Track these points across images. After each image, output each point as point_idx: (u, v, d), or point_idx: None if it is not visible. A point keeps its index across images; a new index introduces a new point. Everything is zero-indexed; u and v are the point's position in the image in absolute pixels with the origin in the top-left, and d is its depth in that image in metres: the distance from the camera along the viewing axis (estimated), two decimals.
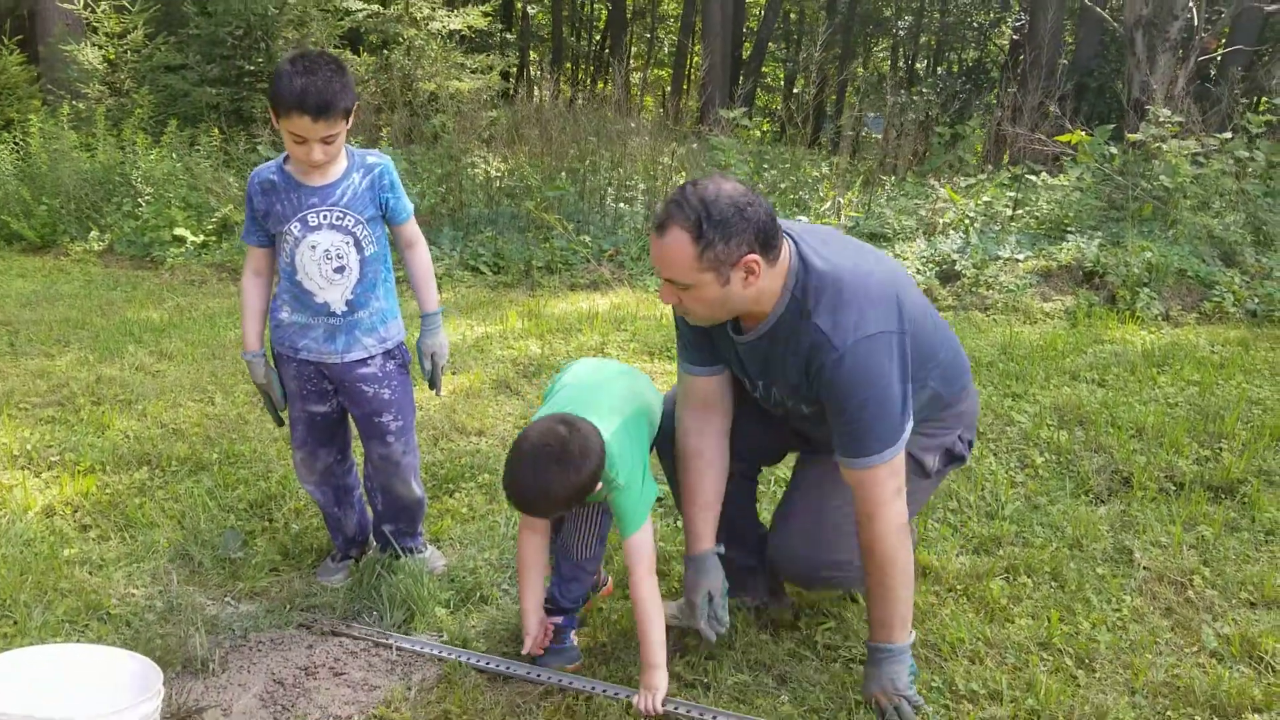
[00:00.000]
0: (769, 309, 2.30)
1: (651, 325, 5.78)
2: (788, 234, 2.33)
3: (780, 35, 30.08)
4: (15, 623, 2.75)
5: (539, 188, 8.35)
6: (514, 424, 4.27)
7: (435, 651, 2.68)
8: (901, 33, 27.08)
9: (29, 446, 3.93)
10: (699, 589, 2.50)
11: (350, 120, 2.65)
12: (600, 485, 2.38)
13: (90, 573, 3.04)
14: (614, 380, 2.69)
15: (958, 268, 6.55)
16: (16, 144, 9.88)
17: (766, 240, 2.19)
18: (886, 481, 2.26)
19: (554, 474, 2.28)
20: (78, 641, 2.67)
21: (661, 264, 2.22)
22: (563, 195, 8.46)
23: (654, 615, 2.41)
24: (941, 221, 7.41)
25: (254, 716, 2.47)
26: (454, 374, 4.92)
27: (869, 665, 2.38)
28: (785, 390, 2.42)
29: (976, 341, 5.34)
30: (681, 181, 9.03)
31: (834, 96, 25.76)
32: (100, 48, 11.63)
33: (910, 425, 2.30)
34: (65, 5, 12.15)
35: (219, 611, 2.88)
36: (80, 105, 11.01)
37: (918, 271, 6.60)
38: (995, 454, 3.93)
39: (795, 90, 25.39)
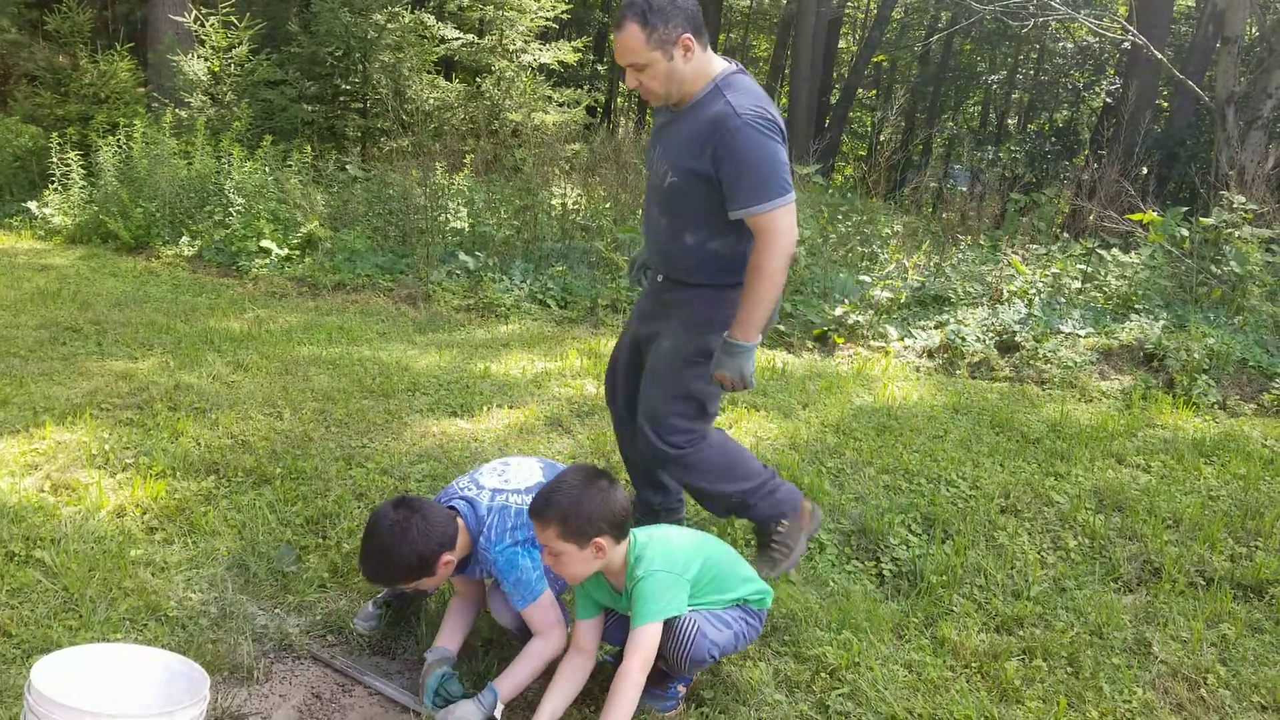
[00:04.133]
0: (698, 90, 2.97)
1: None
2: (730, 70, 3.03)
3: (870, 82, 30.14)
4: (80, 617, 2.97)
5: (610, 228, 8.54)
6: (563, 461, 4.41)
7: (400, 698, 2.75)
8: (994, 87, 26.94)
9: (106, 447, 4.19)
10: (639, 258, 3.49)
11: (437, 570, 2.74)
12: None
13: (153, 574, 3.25)
14: (721, 544, 2.94)
15: (1018, 339, 6.59)
16: (120, 147, 10.36)
17: (697, 26, 2.89)
18: (781, 219, 2.89)
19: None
20: (135, 640, 2.87)
21: (622, 53, 2.87)
22: (633, 238, 8.65)
23: (624, 699, 2.52)
24: (1006, 290, 7.44)
25: None
26: (510, 408, 5.11)
27: (724, 355, 3.01)
28: (670, 157, 3.03)
29: (1028, 417, 5.38)
30: None
31: (920, 148, 25.74)
32: (206, 60, 12.15)
33: (793, 195, 2.94)
34: (176, 17, 12.72)
35: (268, 622, 3.06)
36: (182, 114, 11.50)
37: (977, 339, 6.65)
38: (1029, 533, 3.99)
39: (881, 138, 25.46)
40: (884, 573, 3.65)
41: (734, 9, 30.51)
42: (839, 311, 7.03)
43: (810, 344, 6.95)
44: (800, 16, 19.74)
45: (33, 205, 10.17)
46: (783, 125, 2.97)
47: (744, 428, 4.96)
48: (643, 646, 2.53)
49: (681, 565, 2.65)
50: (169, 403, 4.83)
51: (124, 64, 12.49)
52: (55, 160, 10.20)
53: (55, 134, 10.70)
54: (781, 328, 7.08)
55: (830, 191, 10.39)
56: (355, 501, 3.88)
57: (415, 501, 2.75)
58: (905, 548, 3.77)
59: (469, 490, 2.89)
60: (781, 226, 2.89)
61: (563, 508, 2.52)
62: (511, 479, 2.94)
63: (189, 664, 2.46)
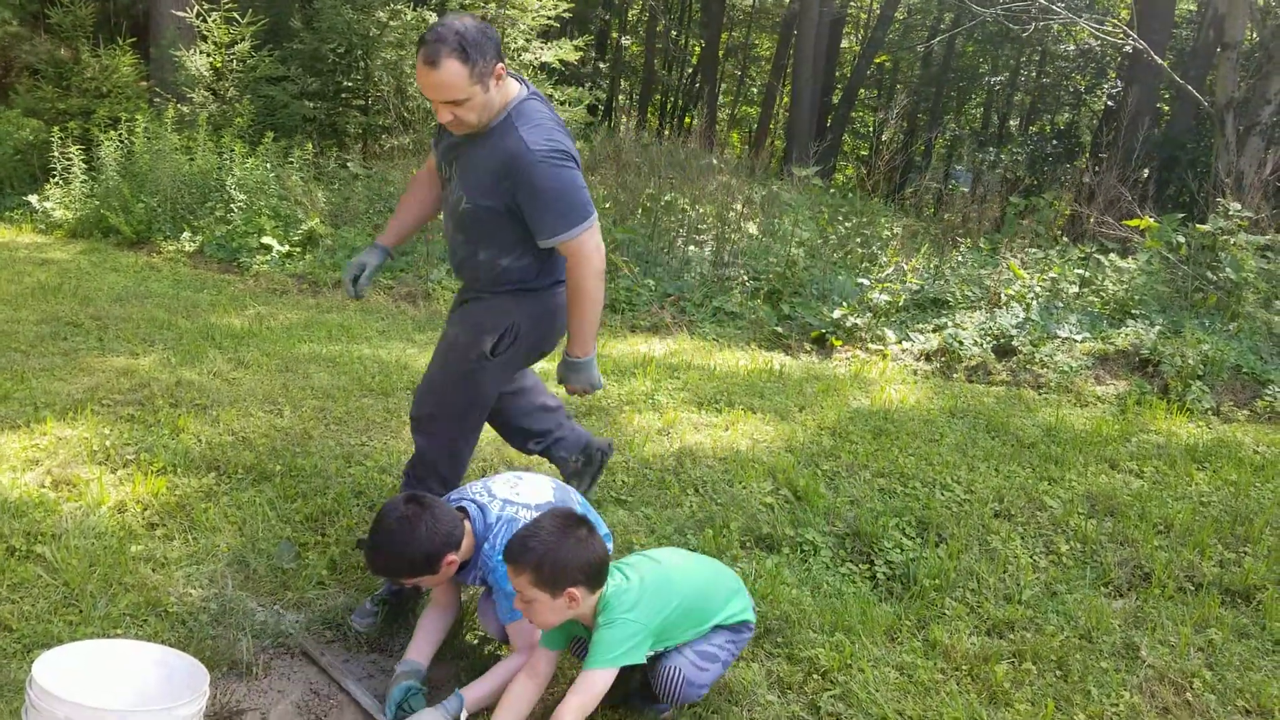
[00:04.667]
0: (496, 117, 2.98)
1: (704, 375, 5.95)
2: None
3: (873, 82, 30.17)
4: (80, 612, 3.00)
5: (609, 229, 8.58)
6: None
7: (368, 705, 2.74)
8: (996, 89, 26.97)
9: (108, 443, 4.22)
10: (355, 263, 3.42)
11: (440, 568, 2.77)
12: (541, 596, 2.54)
13: (153, 570, 3.29)
14: (699, 569, 2.91)
15: (1014, 343, 6.62)
16: (122, 142, 10.38)
17: (500, 54, 2.88)
18: (588, 241, 3.02)
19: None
20: (136, 635, 2.90)
21: (439, 89, 2.82)
22: (633, 238, 8.69)
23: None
24: (1004, 294, 7.47)
25: None
26: None
27: (570, 371, 3.24)
28: (468, 185, 3.06)
29: (1023, 421, 5.41)
30: (749, 230, 9.23)
31: (922, 148, 25.77)
32: (208, 55, 12.16)
33: (594, 214, 3.06)
34: (178, 13, 12.72)
35: (267, 618, 3.10)
36: (184, 109, 11.52)
37: (975, 343, 6.68)
38: (1022, 537, 4.02)
39: (883, 138, 25.49)
40: (877, 575, 3.69)
41: (736, 8, 30.52)
42: (837, 314, 7.07)
43: (808, 346, 6.98)
44: (803, 16, 19.76)
45: (33, 199, 10.19)
46: (574, 150, 3.08)
47: (740, 430, 5.00)
48: (588, 691, 2.50)
49: (652, 612, 2.60)
50: (170, 399, 4.86)
51: (126, 58, 12.48)
52: (56, 154, 10.21)
53: (56, 128, 10.71)
54: (779, 329, 7.11)
55: (830, 192, 10.43)
56: (354, 499, 3.92)
57: (425, 499, 2.78)
58: (899, 551, 3.81)
59: (480, 496, 2.93)
60: (590, 247, 3.03)
61: (538, 554, 2.49)
62: (523, 493, 2.97)
63: (189, 659, 2.49)
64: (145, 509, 3.70)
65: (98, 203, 9.73)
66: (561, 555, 2.49)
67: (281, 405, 4.93)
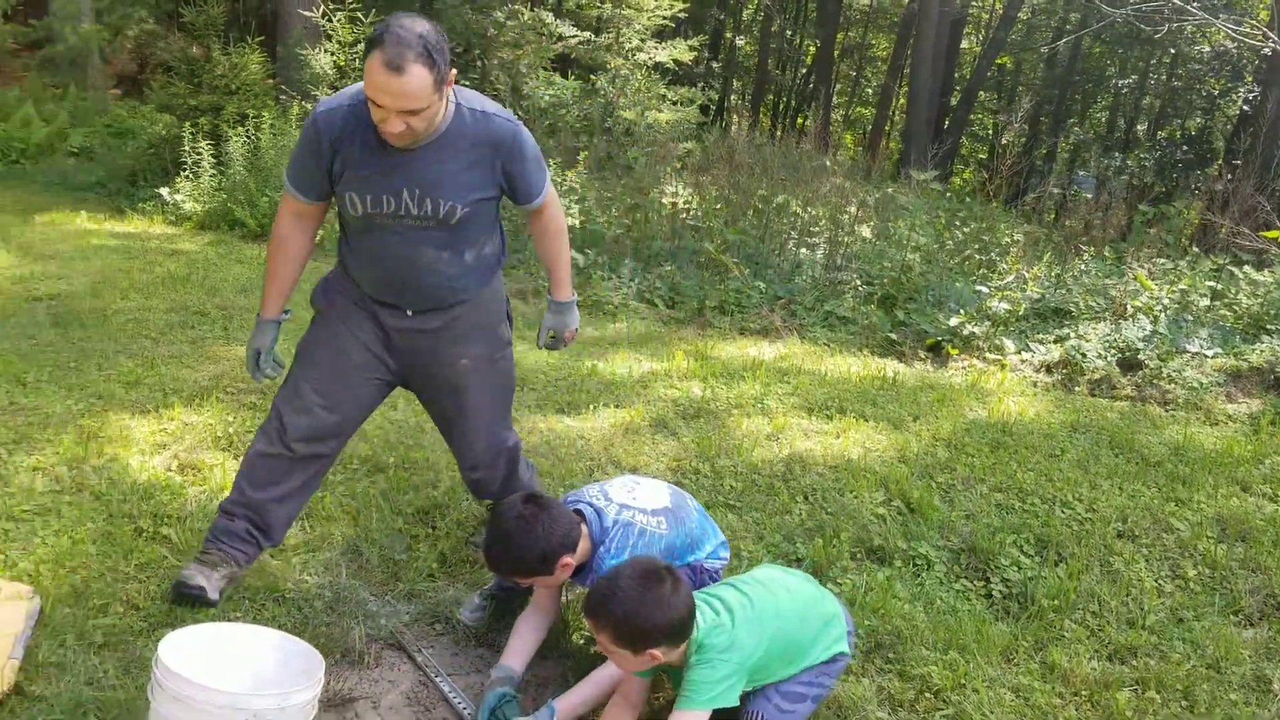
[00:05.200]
0: (444, 118, 2.78)
1: (815, 380, 5.86)
2: None
3: (993, 84, 29.46)
4: None
5: (720, 229, 8.53)
6: (667, 464, 4.44)
7: (461, 708, 2.74)
8: (1124, 92, 26.04)
9: (231, 429, 4.35)
10: (250, 350, 3.16)
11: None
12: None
13: (271, 556, 3.36)
14: (793, 604, 2.72)
15: (1141, 357, 6.36)
16: (248, 137, 10.72)
17: (451, 59, 2.66)
18: (554, 196, 3.06)
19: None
20: (254, 619, 2.98)
21: (403, 99, 2.55)
22: (743, 240, 8.62)
23: None
24: (1130, 305, 7.19)
25: (399, 713, 2.72)
26: (616, 407, 5.14)
27: (554, 314, 3.24)
28: (447, 191, 2.81)
29: (1149, 438, 5.20)
30: (863, 233, 9.07)
31: (1044, 153, 25.06)
32: (332, 54, 12.48)
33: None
34: (305, 12, 13.09)
35: (379, 608, 3.15)
36: (308, 106, 11.84)
37: (1098, 356, 6.44)
38: (1147, 560, 3.86)
39: (1004, 142, 24.84)
40: (993, 593, 3.58)
41: (853, 7, 30.15)
42: (954, 321, 6.90)
43: (923, 354, 6.82)
44: (922, 15, 19.41)
45: (165, 191, 10.58)
46: None
47: (851, 438, 4.90)
48: None
49: (746, 652, 2.51)
50: None
51: (254, 57, 12.88)
52: (187, 149, 10.59)
53: (188, 123, 11.10)
54: (893, 336, 6.97)
55: (948, 196, 10.19)
56: (464, 494, 3.95)
57: (544, 499, 2.78)
58: (1016, 569, 3.69)
59: (597, 499, 2.92)
60: (552, 189, 3.07)
61: (616, 617, 2.40)
62: (640, 498, 2.95)
63: (305, 646, 2.54)
64: None
65: (225, 196, 10.06)
66: (641, 618, 2.39)
67: (396, 398, 5.00)
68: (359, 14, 12.57)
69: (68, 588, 3.04)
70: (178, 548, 3.33)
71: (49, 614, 2.87)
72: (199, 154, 10.51)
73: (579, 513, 2.87)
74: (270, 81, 13.59)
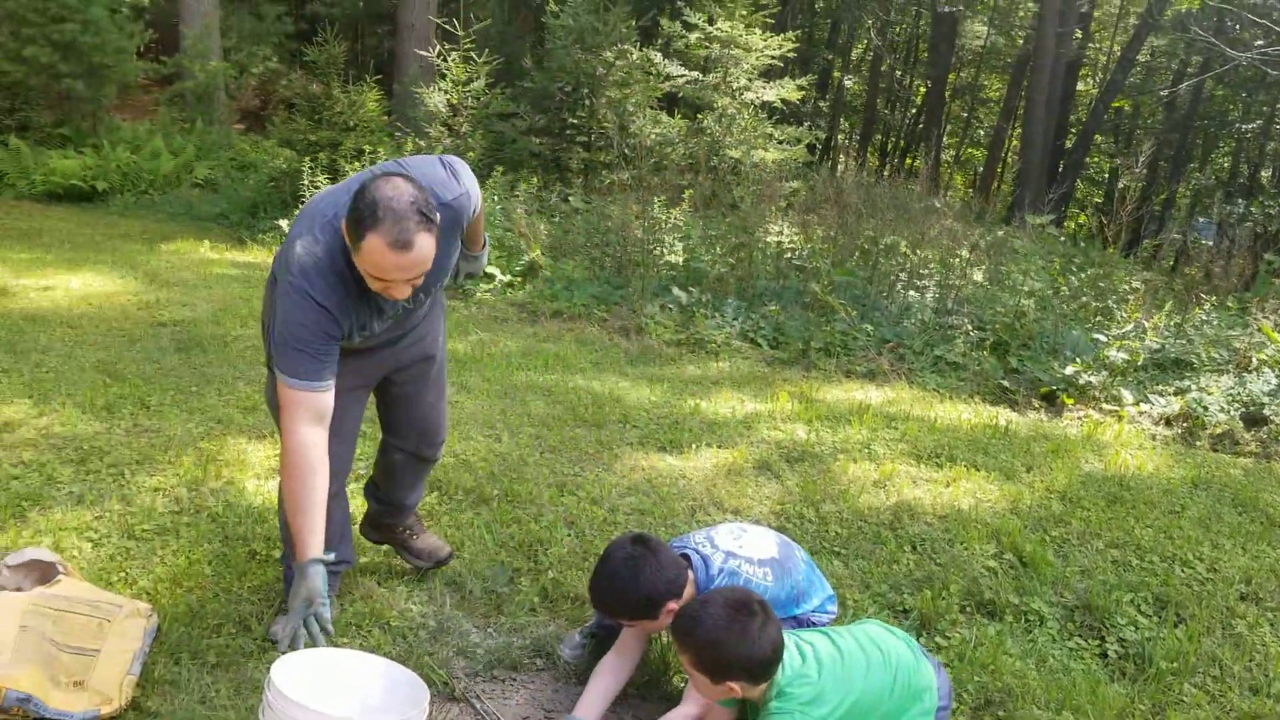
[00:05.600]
0: None
1: (923, 427, 5.74)
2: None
3: (1109, 128, 28.77)
4: None
5: (827, 270, 8.45)
6: (770, 507, 4.38)
7: None
8: (1248, 136, 25.16)
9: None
10: (300, 595, 2.52)
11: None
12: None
13: (378, 583, 3.41)
14: (883, 668, 2.61)
15: (1266, 412, 6.08)
16: None
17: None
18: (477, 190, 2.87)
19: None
20: (360, 645, 3.01)
21: (414, 269, 2.45)
22: (850, 280, 8.53)
23: None
24: (1256, 358, 6.89)
25: None
26: (719, 447, 5.10)
27: (469, 262, 3.15)
28: (429, 278, 2.67)
29: (1275, 497, 4.95)
30: (974, 277, 8.88)
31: (1163, 198, 24.35)
32: (445, 93, 12.80)
33: None
34: (421, 52, 13.48)
35: (481, 641, 3.15)
36: (422, 143, 12.14)
37: (1221, 409, 6.18)
38: (1271, 624, 3.66)
39: (1120, 186, 24.21)
40: (1109, 653, 3.43)
41: (966, 48, 29.81)
42: (1070, 370, 6.69)
43: (1036, 403, 6.63)
44: (1037, 57, 19.07)
45: (284, 223, 10.94)
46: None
47: (962, 487, 4.77)
48: None
49: (826, 711, 2.43)
50: None
51: (372, 95, 13.30)
52: (306, 182, 10.95)
53: (307, 158, 11.50)
54: (1006, 383, 6.79)
55: (1063, 240, 9.94)
56: (566, 529, 3.96)
57: (653, 542, 2.76)
58: (1134, 629, 3.53)
59: (704, 546, 2.88)
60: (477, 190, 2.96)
61: (700, 642, 2.40)
62: (746, 546, 2.90)
63: (410, 674, 2.55)
64: None
65: None
66: (725, 648, 2.37)
67: (500, 431, 5.06)
68: (472, 54, 12.89)
69: (184, 607, 3.12)
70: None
71: (165, 632, 2.95)
72: (317, 188, 10.85)
73: (685, 558, 2.84)
74: (386, 118, 14.00)
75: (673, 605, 2.69)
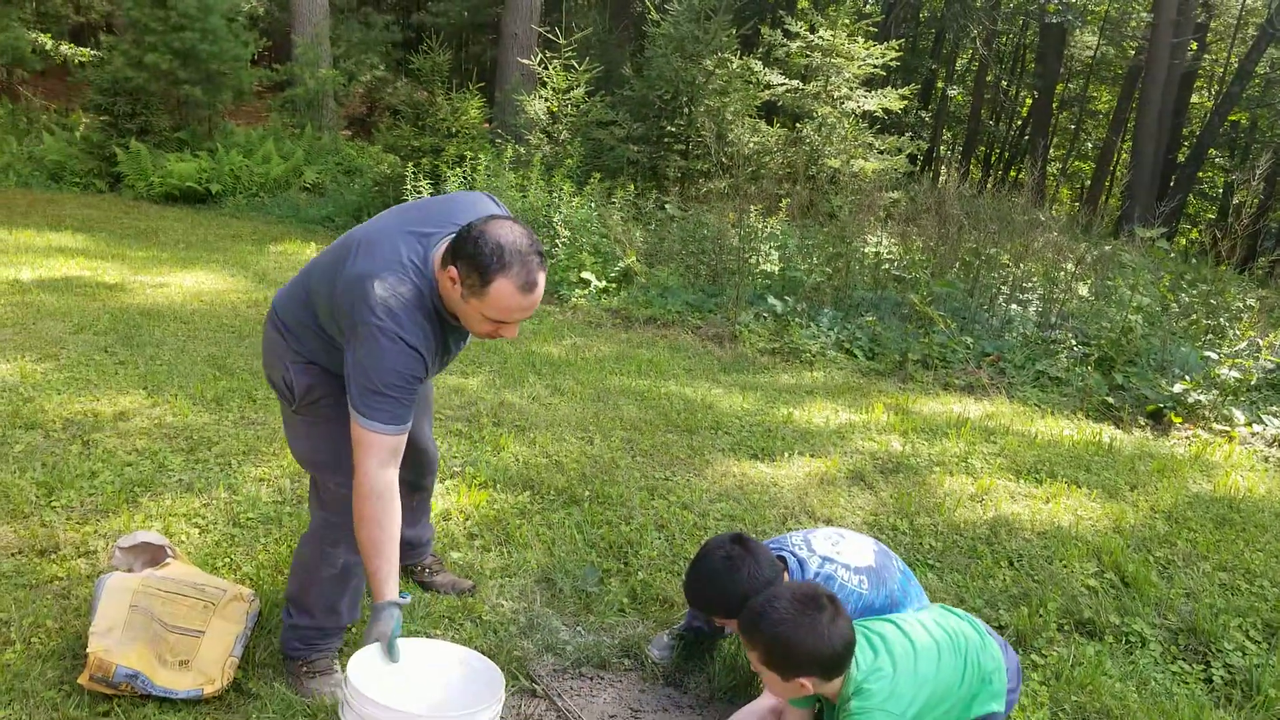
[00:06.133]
0: None
1: (1023, 442, 5.61)
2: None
3: (1225, 141, 27.78)
4: (409, 610, 3.19)
5: (926, 281, 8.32)
6: (863, 518, 4.32)
7: None
8: None
9: (440, 454, 4.51)
10: (371, 636, 2.48)
11: None
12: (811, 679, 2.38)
13: (470, 577, 3.46)
14: (958, 639, 2.58)
15: None
16: (465, 178, 11.22)
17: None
18: None
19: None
20: (451, 637, 3.06)
21: (535, 306, 2.45)
22: (950, 291, 8.38)
23: None
24: None
25: None
26: (811, 456, 5.06)
27: None
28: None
29: None
30: (1079, 291, 8.64)
31: None
32: (546, 100, 12.97)
33: None
34: (523, 60, 13.67)
35: (570, 639, 3.18)
36: (521, 150, 12.32)
37: None
38: None
39: (1235, 202, 23.35)
40: (1214, 678, 3.31)
41: (1075, 58, 29.09)
42: (1178, 388, 6.47)
43: (1142, 421, 6.42)
44: (1150, 68, 18.52)
45: None
46: None
47: (1062, 504, 4.65)
48: None
49: (903, 705, 2.38)
50: (493, 418, 5.15)
51: (474, 102, 13.53)
52: (409, 187, 11.18)
53: (410, 163, 11.74)
54: (1110, 400, 6.60)
55: (1173, 256, 9.63)
56: (656, 532, 3.97)
57: (751, 543, 2.75)
58: (1241, 654, 3.40)
59: (800, 549, 2.87)
60: None
61: (768, 636, 2.35)
62: (844, 551, 2.87)
63: (489, 664, 2.56)
64: (467, 519, 3.91)
65: None
66: (794, 642, 2.33)
67: (592, 433, 5.09)
68: (573, 62, 13.04)
69: (284, 594, 3.20)
70: None
71: (266, 616, 3.03)
72: (419, 192, 11.07)
73: (781, 559, 2.82)
74: (487, 125, 14.24)
75: None
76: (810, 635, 2.33)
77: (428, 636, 3.03)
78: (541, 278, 2.41)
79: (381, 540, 2.45)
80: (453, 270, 2.39)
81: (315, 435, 2.73)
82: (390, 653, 2.45)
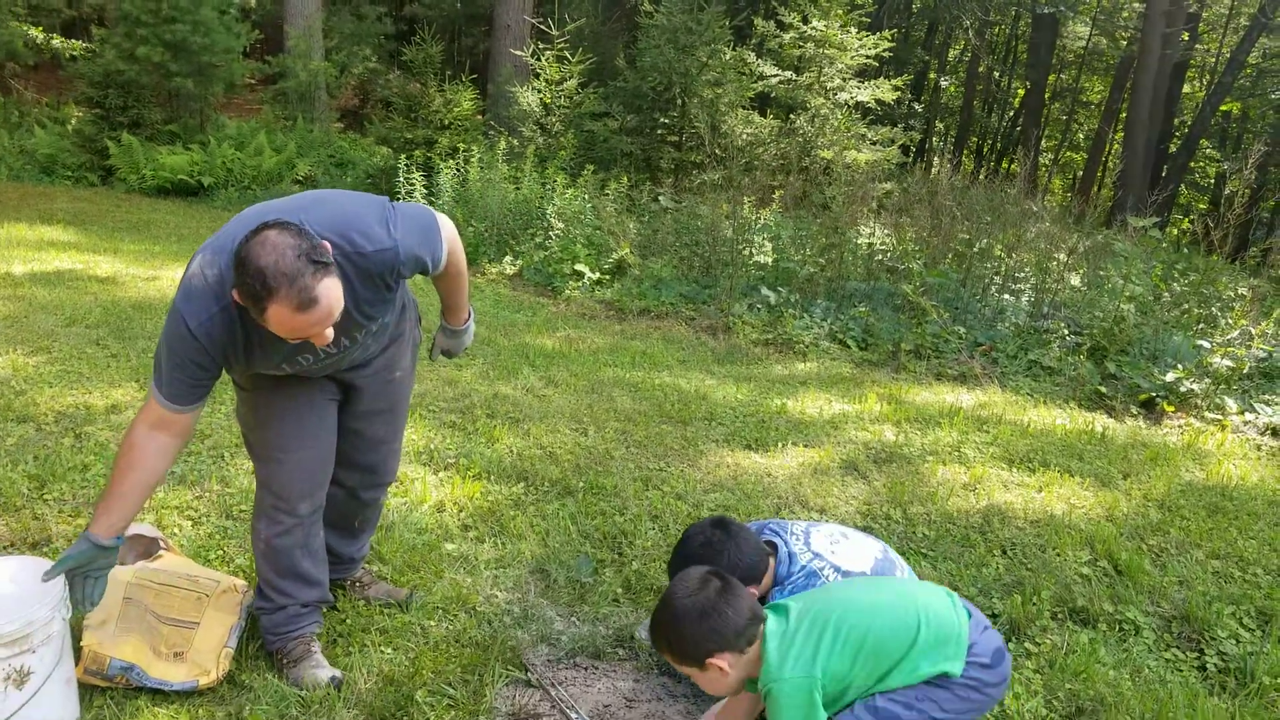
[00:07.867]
0: None
1: (1016, 431, 5.62)
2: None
3: (1216, 131, 27.82)
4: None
5: (919, 272, 8.33)
6: (856, 507, 4.33)
7: None
8: None
9: (432, 445, 4.51)
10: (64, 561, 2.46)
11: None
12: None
13: (465, 569, 3.46)
14: (881, 604, 2.41)
15: None
16: (458, 170, 11.22)
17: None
18: (453, 247, 2.74)
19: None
20: (446, 629, 3.06)
21: (329, 317, 2.26)
22: (942, 281, 8.39)
23: None
24: None
25: None
26: (805, 447, 5.06)
27: (448, 337, 3.26)
28: (349, 328, 2.53)
29: None
30: (1071, 281, 8.65)
31: (1272, 204, 23.48)
32: (539, 92, 12.95)
33: None
34: (516, 51, 13.65)
35: (565, 629, 3.18)
36: (514, 142, 12.31)
37: None
38: None
39: (1226, 192, 23.40)
40: (1208, 666, 3.31)
41: (1067, 49, 29.10)
42: (1170, 377, 6.48)
43: (1134, 409, 6.44)
44: (1141, 59, 18.54)
45: None
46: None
47: (1055, 492, 4.66)
48: None
49: (806, 659, 2.26)
50: (487, 410, 5.15)
51: (467, 94, 13.54)
52: (401, 179, 11.17)
53: (403, 155, 11.74)
54: (1103, 389, 6.62)
55: (1165, 246, 9.64)
56: (650, 522, 3.97)
57: (733, 526, 2.74)
58: (1234, 642, 3.41)
59: (796, 541, 2.85)
60: (448, 241, 2.79)
61: (666, 634, 2.31)
62: (839, 553, 2.82)
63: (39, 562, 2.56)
64: (461, 510, 3.92)
65: None
66: (685, 631, 2.28)
67: (586, 424, 5.10)
68: (566, 54, 13.02)
69: None
70: (380, 554, 3.46)
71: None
72: (412, 185, 11.06)
73: (771, 544, 2.81)
74: (480, 117, 14.22)
75: (752, 590, 2.67)
76: (698, 619, 2.28)
77: (421, 628, 3.04)
78: (322, 287, 2.21)
79: (116, 486, 2.43)
80: (235, 293, 2.27)
81: (241, 403, 2.82)
82: (54, 569, 2.41)
